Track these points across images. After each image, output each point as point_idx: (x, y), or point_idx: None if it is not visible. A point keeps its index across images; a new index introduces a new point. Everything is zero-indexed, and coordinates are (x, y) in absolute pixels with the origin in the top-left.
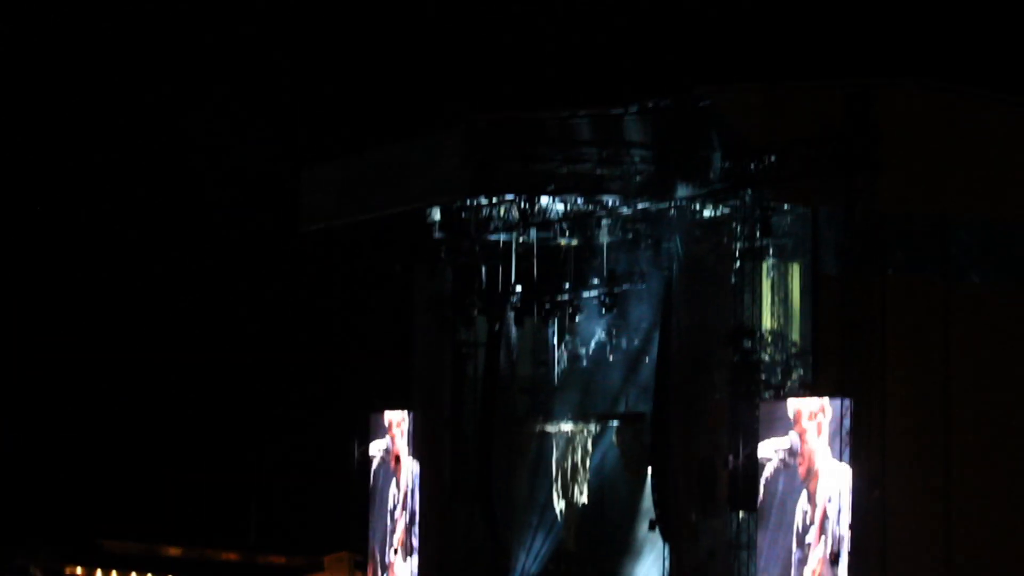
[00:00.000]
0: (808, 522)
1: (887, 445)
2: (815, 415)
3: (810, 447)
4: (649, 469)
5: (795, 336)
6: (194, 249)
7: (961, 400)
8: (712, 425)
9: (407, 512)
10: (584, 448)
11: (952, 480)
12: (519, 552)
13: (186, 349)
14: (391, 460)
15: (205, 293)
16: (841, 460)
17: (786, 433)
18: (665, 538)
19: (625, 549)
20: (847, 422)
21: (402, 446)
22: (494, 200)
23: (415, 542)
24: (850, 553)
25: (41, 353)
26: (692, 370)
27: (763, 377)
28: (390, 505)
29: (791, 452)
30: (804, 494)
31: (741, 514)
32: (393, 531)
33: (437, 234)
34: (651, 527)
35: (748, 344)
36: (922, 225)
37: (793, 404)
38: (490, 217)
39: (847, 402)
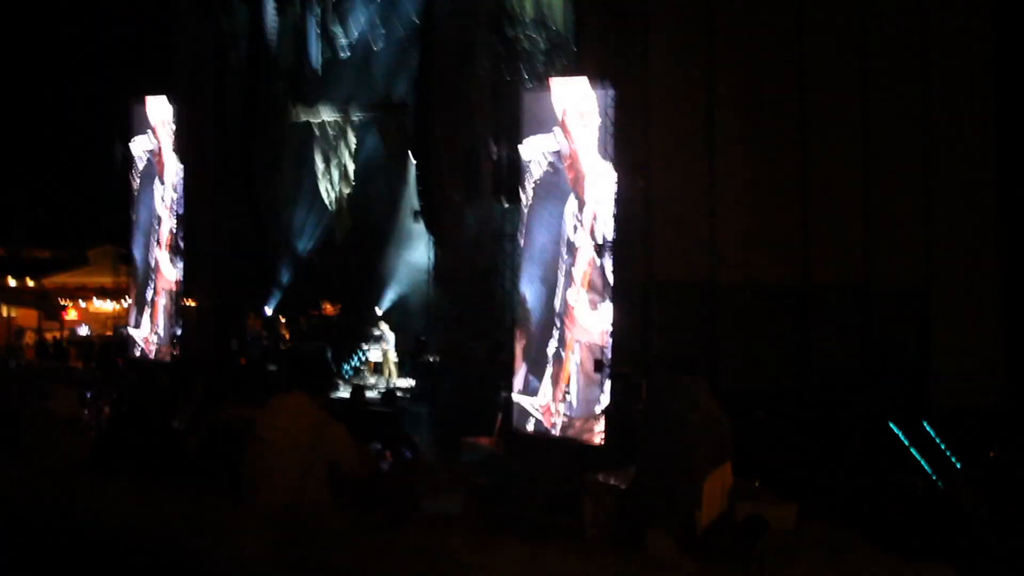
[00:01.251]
0: (577, 225)
1: (651, 133)
2: (581, 113)
3: (576, 146)
4: (412, 159)
5: (558, 23)
6: None
7: (726, 91)
8: (475, 113)
9: (172, 214)
10: (348, 138)
11: (715, 165)
12: (285, 244)
13: None
14: (156, 160)
15: None
16: (607, 159)
17: (551, 131)
18: (429, 228)
19: (392, 239)
20: (611, 111)
21: (167, 144)
22: None
23: (182, 243)
24: (613, 244)
25: None
26: (455, 58)
27: (527, 66)
28: (155, 205)
29: (558, 154)
30: (572, 197)
31: (505, 204)
32: (159, 231)
33: None
34: (415, 217)
35: (510, 30)
36: None
37: (557, 95)
38: None
39: (610, 90)
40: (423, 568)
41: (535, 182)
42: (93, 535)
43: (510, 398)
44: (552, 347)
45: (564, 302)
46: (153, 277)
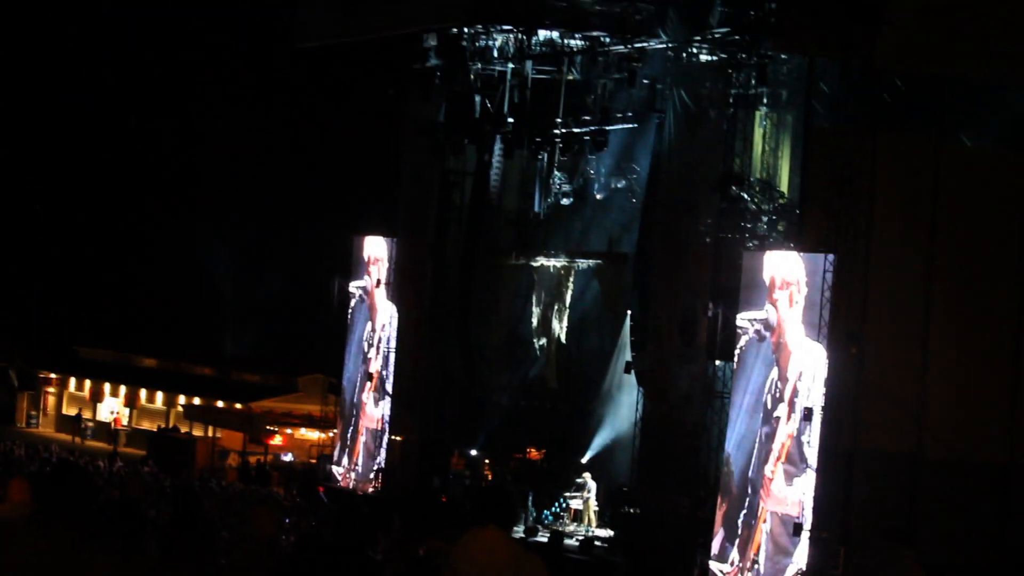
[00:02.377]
0: (777, 397)
1: (868, 303)
2: (789, 285)
3: (782, 318)
4: (628, 311)
5: (784, 188)
6: (183, 58)
7: (945, 264)
8: (695, 270)
9: (381, 355)
10: (566, 284)
11: (927, 340)
12: (495, 387)
13: (167, 162)
14: (369, 300)
15: (189, 104)
16: (816, 338)
17: (762, 306)
18: (640, 381)
19: (601, 389)
20: (828, 277)
21: (380, 287)
22: (492, 29)
23: (388, 387)
24: (820, 410)
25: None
26: (679, 213)
27: (749, 226)
28: (364, 346)
29: (766, 324)
30: (775, 368)
31: (718, 362)
32: (367, 373)
33: (432, 60)
34: (627, 369)
35: (736, 191)
36: (917, 83)
37: (770, 266)
38: (487, 47)
39: (829, 257)
40: None
41: (742, 347)
42: None
43: (707, 563)
44: (744, 514)
45: (760, 472)
46: (358, 413)
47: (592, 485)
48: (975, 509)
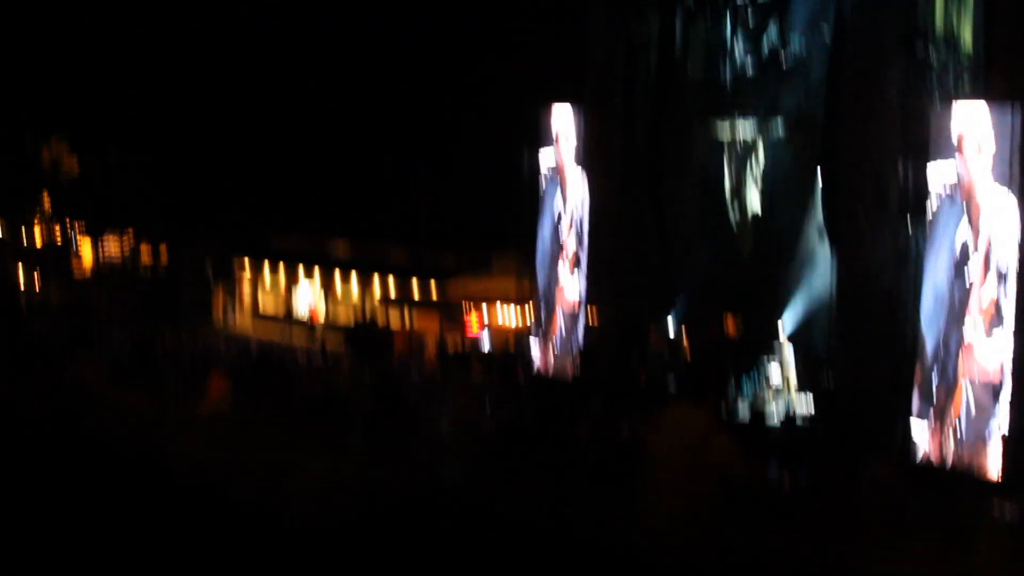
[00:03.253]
0: (970, 256)
1: None
2: (979, 139)
3: (972, 173)
4: (820, 175)
5: (968, 40)
6: None
7: None
8: (884, 131)
9: (575, 225)
10: (756, 151)
11: None
12: (689, 258)
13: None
14: (558, 172)
15: None
16: (1008, 184)
17: (950, 155)
18: (833, 245)
19: (795, 255)
20: (1018, 132)
21: (568, 156)
22: None
23: (583, 256)
24: (1020, 266)
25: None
26: (864, 72)
27: (935, 82)
28: (556, 217)
29: (956, 179)
30: (966, 224)
31: (911, 222)
32: (560, 244)
33: None
34: (820, 234)
35: (920, 46)
36: None
37: (957, 119)
38: None
39: (1019, 111)
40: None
41: (933, 205)
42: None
43: (907, 424)
44: (941, 380)
45: (956, 336)
46: (553, 290)
47: (791, 356)
48: None
